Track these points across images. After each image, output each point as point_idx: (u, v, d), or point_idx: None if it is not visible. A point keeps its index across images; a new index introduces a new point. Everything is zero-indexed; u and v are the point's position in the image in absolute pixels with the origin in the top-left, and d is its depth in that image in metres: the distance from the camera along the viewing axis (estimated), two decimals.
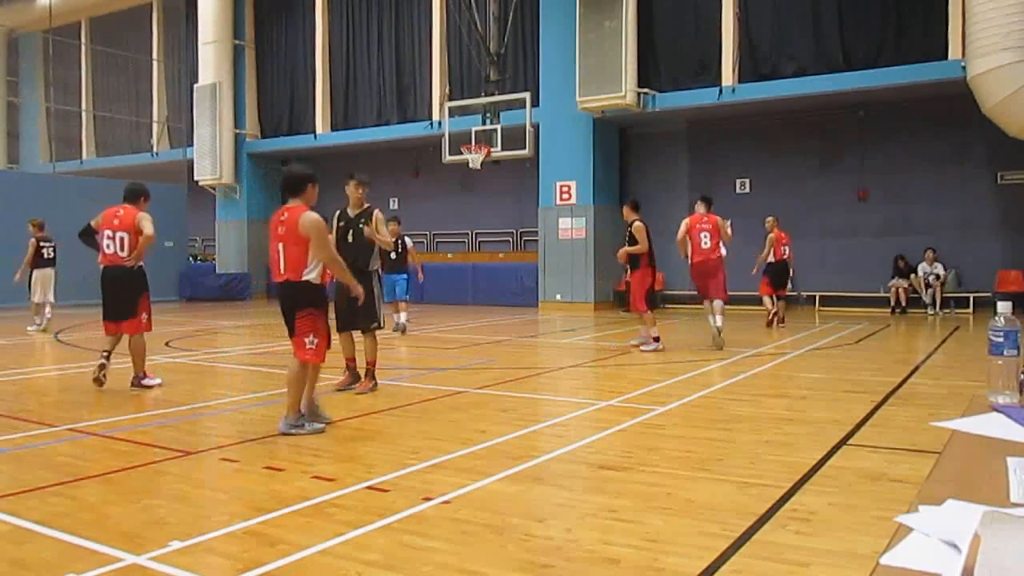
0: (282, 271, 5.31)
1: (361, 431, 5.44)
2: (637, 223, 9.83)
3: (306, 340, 5.36)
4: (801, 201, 16.49)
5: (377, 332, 7.13)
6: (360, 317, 6.94)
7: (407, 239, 12.56)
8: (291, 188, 5.40)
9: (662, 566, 2.94)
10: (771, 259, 13.25)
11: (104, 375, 7.10)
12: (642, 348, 9.85)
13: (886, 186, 15.98)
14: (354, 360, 7.22)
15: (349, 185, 7.28)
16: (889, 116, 15.84)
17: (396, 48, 20.50)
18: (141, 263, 7.30)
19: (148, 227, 7.20)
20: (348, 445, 5.03)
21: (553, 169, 17.68)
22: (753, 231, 16.71)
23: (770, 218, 13.41)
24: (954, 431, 1.65)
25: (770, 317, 12.95)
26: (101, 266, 7.23)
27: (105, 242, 7.18)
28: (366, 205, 7.33)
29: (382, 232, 7.20)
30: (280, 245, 5.27)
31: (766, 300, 13.15)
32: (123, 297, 7.18)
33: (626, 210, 10.11)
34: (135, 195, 7.41)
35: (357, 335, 7.26)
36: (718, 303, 9.94)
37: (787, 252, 13.27)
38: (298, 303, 5.32)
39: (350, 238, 7.09)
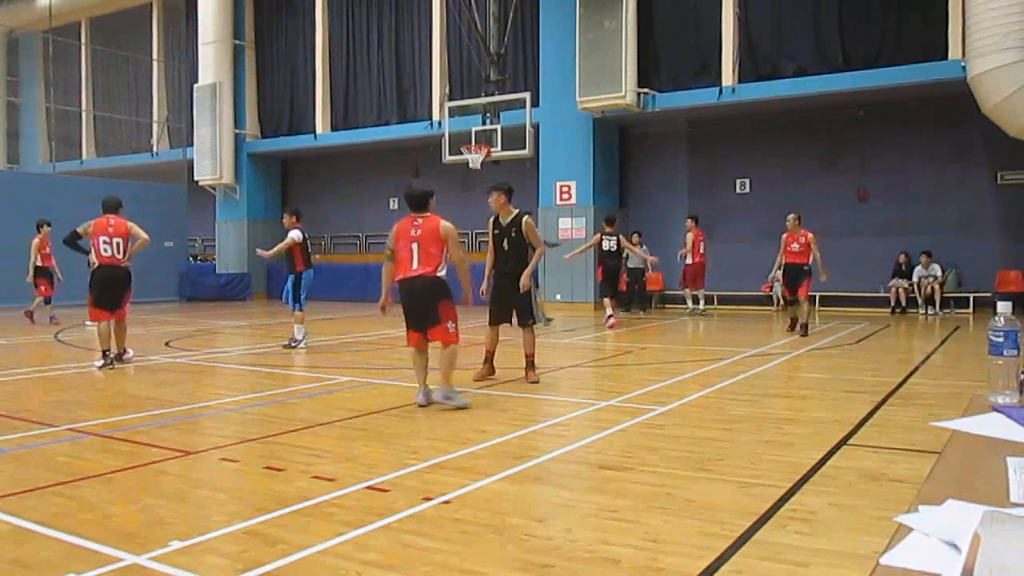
0: (415, 267, 6.06)
1: (361, 431, 5.44)
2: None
3: (449, 325, 6.12)
4: (801, 201, 16.46)
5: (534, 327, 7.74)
6: (519, 315, 7.62)
7: (296, 232, 10.42)
8: (417, 205, 6.24)
9: (662, 566, 2.95)
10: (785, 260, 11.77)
11: (112, 363, 8.54)
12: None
13: (886, 186, 15.97)
14: (493, 353, 7.67)
15: (491, 196, 7.73)
16: (889, 116, 15.84)
17: (396, 48, 20.50)
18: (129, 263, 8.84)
19: (142, 232, 8.76)
20: (348, 445, 5.03)
21: (553, 169, 17.68)
22: (753, 231, 16.74)
23: (791, 216, 11.74)
24: (954, 431, 1.65)
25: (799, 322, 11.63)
26: (97, 264, 8.62)
27: (103, 247, 8.59)
28: (514, 211, 7.66)
29: (534, 236, 7.56)
30: (415, 245, 6.07)
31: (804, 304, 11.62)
32: (117, 291, 8.66)
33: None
34: (117, 206, 8.93)
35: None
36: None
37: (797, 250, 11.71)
38: (440, 295, 6.10)
39: (505, 245, 7.56)
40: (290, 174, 24.05)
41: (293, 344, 10.33)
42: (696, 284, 15.87)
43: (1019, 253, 14.81)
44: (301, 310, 10.33)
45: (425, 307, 6.10)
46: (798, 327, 11.46)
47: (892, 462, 4.41)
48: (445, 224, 6.18)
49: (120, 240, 8.63)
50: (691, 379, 7.58)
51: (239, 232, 22.76)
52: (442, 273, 6.13)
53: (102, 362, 8.49)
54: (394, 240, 6.27)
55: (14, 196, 18.27)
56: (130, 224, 8.79)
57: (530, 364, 7.65)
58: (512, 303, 7.54)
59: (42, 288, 13.93)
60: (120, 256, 8.63)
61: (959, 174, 15.41)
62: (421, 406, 6.13)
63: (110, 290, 8.59)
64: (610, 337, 12.06)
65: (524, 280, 7.44)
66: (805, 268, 11.45)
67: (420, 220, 6.17)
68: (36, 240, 13.92)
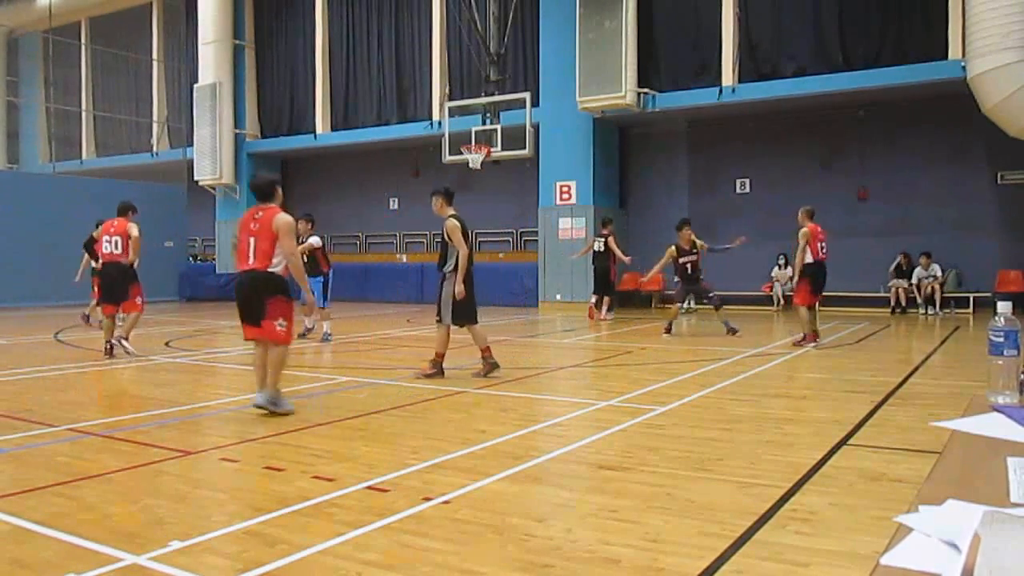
0: (251, 261, 5.86)
1: (361, 431, 5.44)
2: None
3: (276, 323, 5.83)
4: (801, 201, 16.41)
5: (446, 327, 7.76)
6: (437, 310, 7.82)
7: (315, 238, 11.19)
8: (262, 195, 6.06)
9: (662, 566, 2.94)
10: (808, 259, 10.22)
11: (112, 349, 9.20)
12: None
13: (886, 186, 15.98)
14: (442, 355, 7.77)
15: (432, 200, 8.04)
16: (889, 116, 15.85)
17: (396, 48, 20.50)
18: (135, 262, 9.44)
19: (134, 231, 9.42)
20: (348, 445, 5.03)
21: (553, 169, 17.68)
22: (753, 231, 16.72)
23: (803, 208, 10.52)
24: (954, 431, 1.65)
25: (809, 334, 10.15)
26: (100, 263, 9.58)
27: (104, 245, 9.37)
28: (449, 213, 7.84)
29: (455, 238, 7.65)
30: (252, 239, 5.85)
31: (803, 312, 10.14)
32: (119, 284, 9.30)
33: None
34: (124, 210, 9.61)
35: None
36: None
37: (824, 250, 10.29)
38: (268, 290, 5.81)
39: (440, 247, 7.93)
40: (290, 174, 24.05)
41: (328, 338, 11.08)
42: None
43: (1019, 253, 14.81)
44: (327, 307, 11.27)
45: (251, 303, 5.83)
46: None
47: (892, 462, 4.41)
48: (280, 217, 5.84)
49: (118, 238, 9.33)
50: (691, 379, 7.58)
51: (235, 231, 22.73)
52: (277, 268, 5.82)
53: (107, 349, 9.19)
54: (237, 232, 6.18)
55: (14, 196, 18.27)
56: (129, 224, 9.44)
57: (431, 362, 7.67)
58: (438, 300, 7.81)
59: (98, 290, 13.47)
60: (118, 252, 9.29)
61: (959, 174, 15.41)
62: (258, 406, 5.79)
63: (112, 284, 9.33)
64: (610, 337, 12.07)
65: (456, 287, 7.55)
66: (809, 270, 10.09)
67: (261, 213, 5.90)
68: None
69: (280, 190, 6.18)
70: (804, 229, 10.03)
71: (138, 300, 9.45)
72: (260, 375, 5.89)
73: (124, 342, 9.23)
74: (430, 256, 20.90)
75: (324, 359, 9.58)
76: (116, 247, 9.32)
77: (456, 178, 20.17)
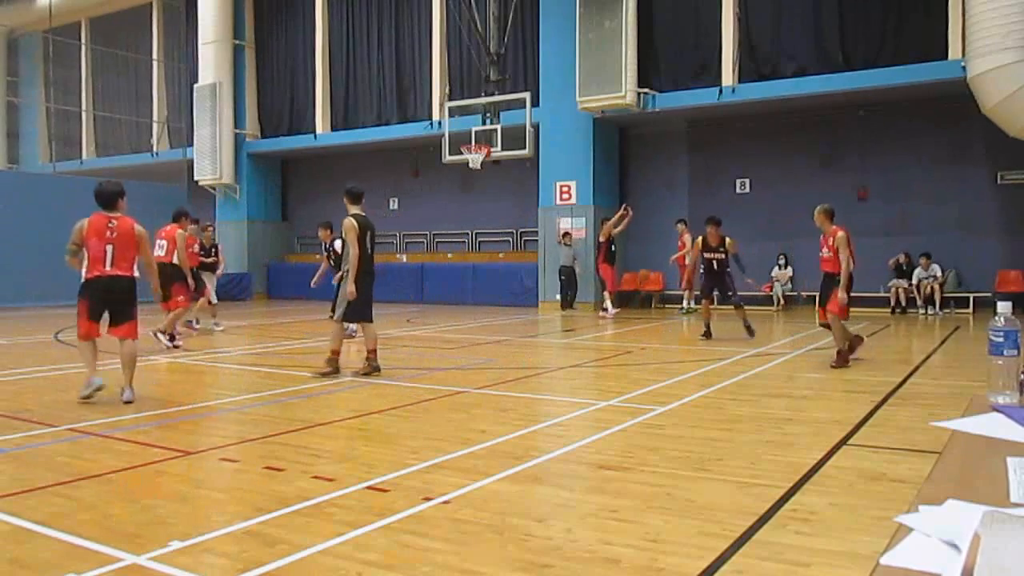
0: (110, 267, 6.28)
1: (361, 431, 5.44)
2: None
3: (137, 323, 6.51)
4: (801, 201, 16.43)
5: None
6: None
7: (339, 242, 11.39)
8: (107, 203, 6.43)
9: (662, 566, 2.94)
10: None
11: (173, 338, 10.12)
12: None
13: (886, 186, 15.97)
14: (373, 350, 7.92)
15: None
16: (889, 116, 15.84)
17: (396, 48, 20.50)
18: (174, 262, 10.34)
19: (180, 238, 10.37)
20: (348, 445, 5.03)
21: (553, 169, 17.68)
22: (753, 231, 16.73)
23: (821, 208, 8.83)
24: (954, 431, 1.65)
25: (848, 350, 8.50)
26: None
27: (155, 249, 9.91)
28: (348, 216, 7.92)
29: (348, 239, 7.73)
30: (109, 247, 6.27)
31: (839, 325, 8.41)
32: (163, 285, 9.24)
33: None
34: (177, 216, 10.70)
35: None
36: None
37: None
38: (134, 295, 6.46)
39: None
40: (290, 174, 24.06)
41: (353, 334, 11.25)
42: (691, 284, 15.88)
43: (1019, 253, 14.81)
44: None
45: (122, 306, 6.41)
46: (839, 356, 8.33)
47: (892, 462, 4.41)
48: (139, 228, 6.46)
49: (166, 242, 10.38)
50: (691, 379, 7.58)
51: (239, 232, 22.75)
52: (137, 274, 6.47)
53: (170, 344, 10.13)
54: (84, 237, 6.32)
55: (14, 196, 18.27)
56: (177, 231, 10.54)
57: (327, 360, 7.80)
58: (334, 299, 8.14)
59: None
60: (163, 254, 10.26)
61: (959, 174, 15.41)
62: (85, 398, 6.25)
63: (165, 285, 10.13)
64: (610, 337, 12.07)
65: (348, 287, 7.72)
66: (836, 278, 8.40)
67: (115, 221, 6.34)
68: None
69: (125, 200, 6.55)
70: (840, 234, 8.36)
71: (180, 298, 10.21)
72: (94, 365, 6.44)
73: (161, 336, 10.03)
74: (430, 256, 20.91)
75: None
76: (162, 250, 10.20)
77: (456, 178, 20.22)
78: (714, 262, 11.29)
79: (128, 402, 6.29)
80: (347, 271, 7.78)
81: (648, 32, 16.71)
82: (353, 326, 12.01)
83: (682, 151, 18.13)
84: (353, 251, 7.62)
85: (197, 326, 12.56)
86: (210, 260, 13.17)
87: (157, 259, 9.78)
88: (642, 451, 4.73)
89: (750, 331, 10.94)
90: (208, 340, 11.52)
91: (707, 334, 11.08)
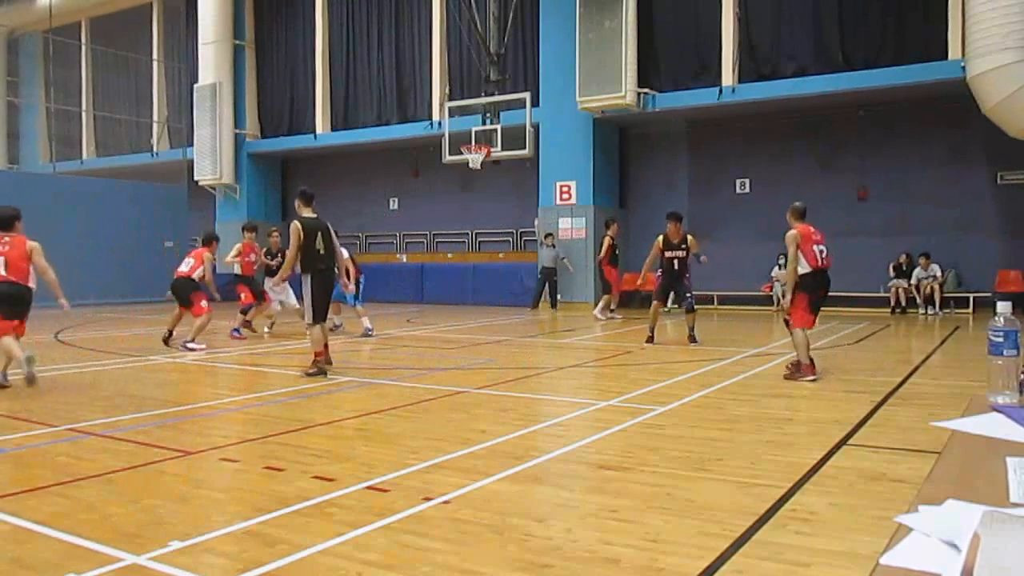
0: (4, 273, 7.18)
1: (361, 431, 5.44)
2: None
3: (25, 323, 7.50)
4: (801, 200, 16.48)
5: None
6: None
7: (345, 251, 11.58)
8: (4, 225, 7.41)
9: (662, 566, 2.94)
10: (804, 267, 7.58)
11: (169, 339, 10.61)
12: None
13: (886, 186, 15.98)
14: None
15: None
16: (889, 116, 15.84)
17: (396, 48, 20.50)
18: (203, 277, 10.72)
19: (206, 256, 10.84)
20: (348, 445, 5.03)
21: (553, 169, 17.68)
22: (753, 231, 16.74)
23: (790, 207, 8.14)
24: (954, 431, 1.65)
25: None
26: (175, 277, 10.73)
27: (182, 265, 10.81)
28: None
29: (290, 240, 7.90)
30: (2, 259, 7.16)
31: (799, 336, 7.53)
32: (183, 294, 10.57)
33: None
34: (207, 239, 11.19)
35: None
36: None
37: (824, 255, 7.72)
38: (30, 300, 7.38)
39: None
40: (290, 174, 24.04)
41: (370, 332, 11.76)
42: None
43: (1019, 253, 14.81)
44: (363, 305, 12.11)
45: (16, 308, 7.27)
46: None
47: (892, 462, 4.41)
48: (32, 243, 7.40)
49: (193, 260, 10.81)
50: (691, 379, 7.58)
51: (239, 232, 22.69)
52: (32, 284, 7.37)
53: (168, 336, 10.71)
54: None
55: (14, 196, 18.20)
56: (205, 252, 10.87)
57: (312, 362, 7.93)
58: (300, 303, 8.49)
59: (244, 297, 12.59)
60: (185, 270, 10.69)
61: (959, 174, 15.41)
62: (29, 378, 6.84)
63: (178, 293, 10.64)
64: (610, 337, 12.07)
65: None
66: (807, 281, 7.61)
67: (8, 238, 7.34)
68: (238, 245, 12.80)
69: (20, 223, 7.53)
70: (792, 232, 7.58)
71: (203, 304, 10.48)
72: (3, 362, 7.25)
73: (190, 344, 10.18)
74: (430, 256, 20.91)
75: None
76: (186, 266, 10.73)
77: (456, 178, 20.22)
78: (675, 261, 10.55)
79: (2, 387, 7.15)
80: (301, 274, 7.93)
81: (648, 32, 16.71)
82: (338, 319, 12.24)
83: (682, 151, 18.13)
84: (291, 253, 7.90)
85: (268, 330, 12.50)
86: (274, 263, 12.49)
87: (178, 274, 10.80)
88: (642, 451, 4.73)
89: (693, 339, 10.45)
90: (228, 341, 11.50)
91: (651, 339, 10.50)
